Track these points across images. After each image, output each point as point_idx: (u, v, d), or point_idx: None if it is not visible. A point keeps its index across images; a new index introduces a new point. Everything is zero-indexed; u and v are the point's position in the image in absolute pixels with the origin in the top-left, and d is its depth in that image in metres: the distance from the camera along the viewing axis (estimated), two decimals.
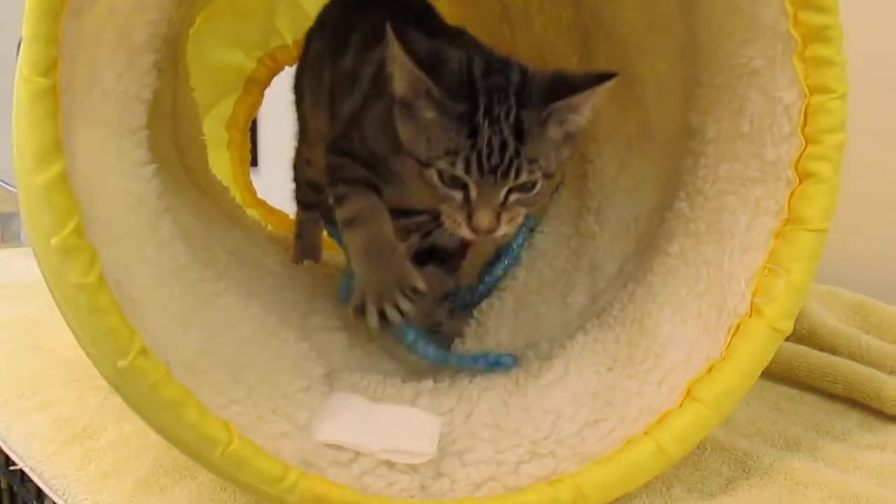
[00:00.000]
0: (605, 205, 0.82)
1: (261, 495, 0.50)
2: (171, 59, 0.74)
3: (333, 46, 0.83)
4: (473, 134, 0.58)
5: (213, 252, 0.66)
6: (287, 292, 0.76)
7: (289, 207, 1.27)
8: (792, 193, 0.59)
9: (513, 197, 0.59)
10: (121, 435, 0.67)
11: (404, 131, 0.61)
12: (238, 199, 1.21)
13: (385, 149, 0.66)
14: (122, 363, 0.43)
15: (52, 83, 0.40)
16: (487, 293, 0.82)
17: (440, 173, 0.59)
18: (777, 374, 0.78)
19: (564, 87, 0.60)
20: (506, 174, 0.58)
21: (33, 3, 0.41)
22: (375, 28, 0.78)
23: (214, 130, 1.27)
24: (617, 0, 0.81)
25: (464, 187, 0.59)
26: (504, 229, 0.60)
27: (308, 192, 0.99)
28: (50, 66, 0.40)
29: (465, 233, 0.60)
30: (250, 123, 1.33)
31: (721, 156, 0.66)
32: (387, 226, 0.68)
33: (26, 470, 0.67)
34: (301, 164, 1.00)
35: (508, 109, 0.58)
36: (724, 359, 0.58)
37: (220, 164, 1.26)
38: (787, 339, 0.78)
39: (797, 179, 0.59)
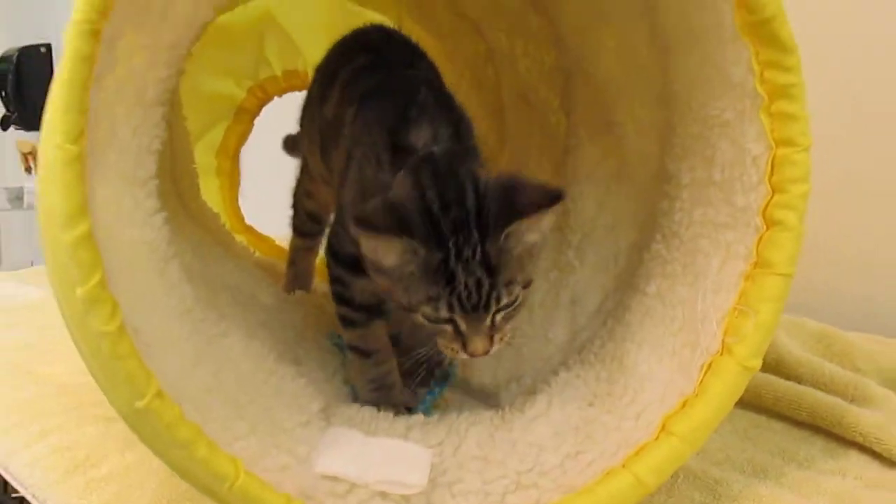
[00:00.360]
0: (584, 241, 0.86)
1: None
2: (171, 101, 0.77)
3: (321, 89, 0.87)
4: (451, 280, 0.59)
5: (213, 290, 0.69)
6: (280, 328, 0.79)
7: (273, 232, 1.30)
8: (760, 239, 0.63)
9: (499, 317, 0.61)
10: (122, 464, 0.69)
11: (381, 282, 0.62)
12: (227, 225, 1.23)
13: None
14: (139, 404, 0.46)
15: (80, 150, 0.43)
16: None
17: (425, 315, 0.60)
18: (746, 401, 0.81)
19: (516, 208, 0.60)
20: (487, 305, 0.60)
21: (64, 76, 0.44)
22: (355, 74, 0.81)
23: (205, 158, 1.30)
24: (598, 46, 0.85)
25: (451, 321, 0.60)
26: (498, 347, 0.62)
27: (306, 221, 1.01)
28: (79, 134, 0.43)
29: (464, 357, 0.62)
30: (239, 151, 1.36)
31: (695, 201, 0.70)
32: (392, 361, 0.74)
33: (28, 497, 0.70)
34: (301, 194, 1.02)
35: (475, 248, 0.59)
36: (697, 395, 0.61)
37: (210, 190, 1.29)
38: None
39: (765, 226, 0.63)
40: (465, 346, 0.62)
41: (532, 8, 0.96)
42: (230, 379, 0.58)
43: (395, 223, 0.59)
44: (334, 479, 0.55)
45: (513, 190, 0.62)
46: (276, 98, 1.36)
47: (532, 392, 0.69)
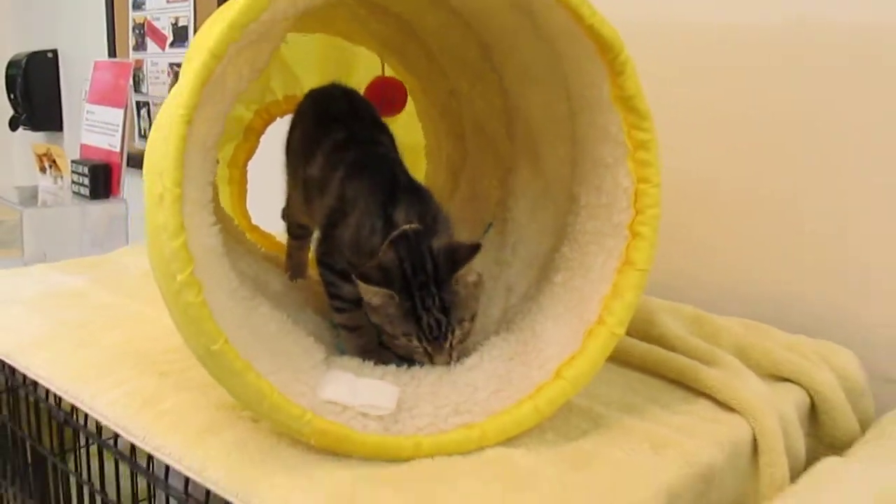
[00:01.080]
0: (518, 243, 1.11)
1: (287, 429, 0.79)
2: None
3: (305, 151, 1.11)
4: (418, 321, 0.89)
5: (244, 277, 0.96)
6: (289, 306, 1.06)
7: (274, 229, 1.55)
8: (627, 246, 0.89)
9: (455, 341, 0.90)
10: (178, 402, 0.91)
11: (373, 316, 0.92)
12: (239, 226, 1.49)
13: (356, 260, 0.95)
14: (214, 347, 0.72)
15: (181, 191, 0.70)
16: None
17: (403, 343, 0.91)
18: (636, 365, 1.06)
19: (456, 259, 0.90)
20: (446, 337, 0.90)
21: (171, 146, 0.70)
22: (335, 146, 1.06)
23: (219, 170, 1.55)
24: (530, 98, 1.08)
25: (422, 345, 0.90)
26: (457, 357, 0.92)
27: (296, 228, 1.26)
28: (180, 181, 0.70)
29: (432, 365, 0.92)
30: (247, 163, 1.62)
31: (589, 217, 0.95)
32: (372, 333, 0.99)
33: (111, 426, 0.92)
34: (290, 211, 1.27)
35: (433, 297, 0.88)
36: (581, 351, 0.88)
37: (223, 197, 1.55)
38: (644, 341, 1.12)
39: (631, 236, 0.89)
40: (431, 361, 0.91)
41: (487, 64, 1.20)
42: (263, 335, 0.84)
43: (383, 279, 0.89)
44: (334, 402, 0.81)
45: (452, 252, 0.91)
46: (278, 119, 1.62)
47: (470, 353, 0.97)
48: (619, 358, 1.08)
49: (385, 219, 0.95)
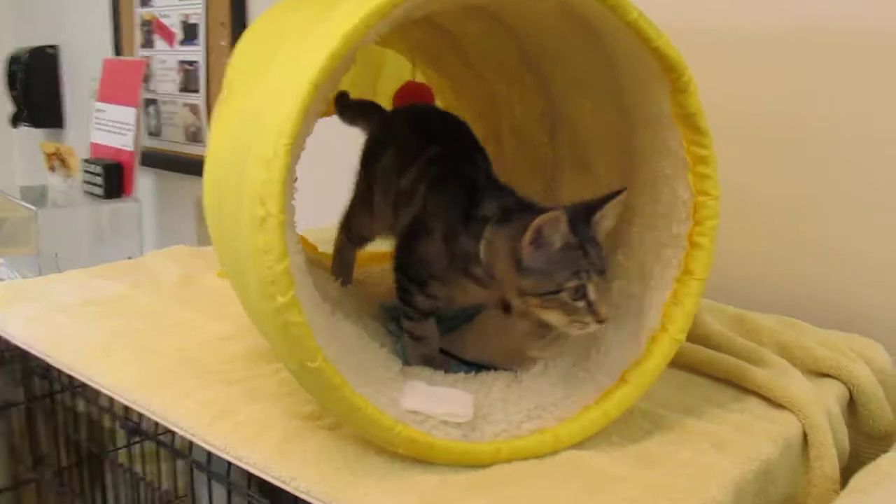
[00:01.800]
0: None
1: (378, 439, 0.82)
2: None
3: (399, 166, 1.10)
4: (586, 253, 0.86)
5: (319, 290, 1.00)
6: (349, 315, 1.09)
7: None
8: (686, 255, 0.93)
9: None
10: (251, 413, 0.93)
11: (530, 284, 0.87)
12: None
13: (444, 273, 0.98)
14: (313, 365, 0.75)
15: (285, 216, 0.73)
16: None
17: (569, 289, 0.84)
18: (683, 365, 1.10)
19: (595, 206, 0.90)
20: (604, 270, 0.88)
21: (275, 175, 0.72)
22: (429, 160, 1.07)
23: None
24: (578, 105, 1.11)
25: (584, 295, 0.85)
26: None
27: (357, 237, 1.26)
28: (284, 207, 0.73)
29: (593, 327, 0.86)
30: None
31: (646, 227, 0.99)
32: (436, 343, 1.03)
33: (188, 437, 0.93)
34: (356, 223, 1.26)
35: (584, 230, 0.87)
36: (644, 357, 0.92)
37: None
38: (689, 342, 1.16)
39: (689, 246, 0.93)
40: (595, 313, 0.85)
41: (527, 68, 1.23)
42: (347, 349, 0.87)
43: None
44: (415, 412, 0.85)
45: (589, 201, 0.90)
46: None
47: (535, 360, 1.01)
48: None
49: (468, 220, 0.95)
